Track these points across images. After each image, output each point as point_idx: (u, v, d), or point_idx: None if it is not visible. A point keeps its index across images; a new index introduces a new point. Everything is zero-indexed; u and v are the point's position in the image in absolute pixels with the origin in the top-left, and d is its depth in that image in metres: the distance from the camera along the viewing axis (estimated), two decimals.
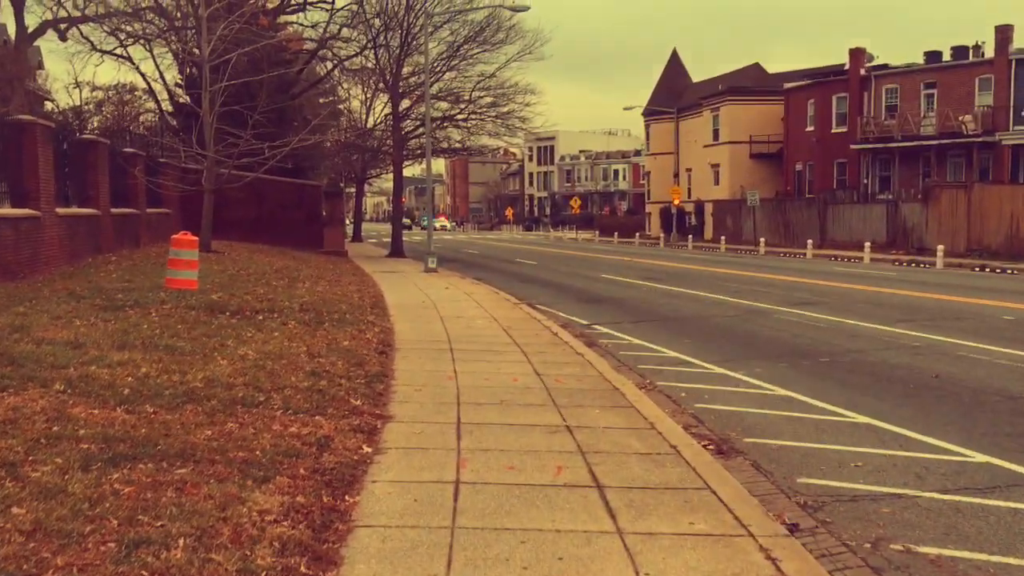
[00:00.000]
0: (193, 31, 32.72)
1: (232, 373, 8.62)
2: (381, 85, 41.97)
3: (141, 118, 40.92)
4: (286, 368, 9.21)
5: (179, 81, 40.15)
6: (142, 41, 37.06)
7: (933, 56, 46.36)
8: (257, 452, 6.04)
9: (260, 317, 13.06)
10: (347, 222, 74.20)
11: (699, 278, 25.64)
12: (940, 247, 31.50)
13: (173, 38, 36.63)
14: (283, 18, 43.07)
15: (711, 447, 7.33)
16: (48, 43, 43.92)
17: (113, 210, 23.13)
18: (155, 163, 29.85)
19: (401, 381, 9.51)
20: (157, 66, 43.33)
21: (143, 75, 39.67)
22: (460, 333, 13.72)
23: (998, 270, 28.79)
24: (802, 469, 6.82)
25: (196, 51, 28.31)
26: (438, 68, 38.79)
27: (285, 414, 7.29)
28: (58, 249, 18.23)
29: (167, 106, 41.46)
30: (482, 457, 6.56)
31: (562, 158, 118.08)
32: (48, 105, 45.55)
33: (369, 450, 6.59)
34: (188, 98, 38.73)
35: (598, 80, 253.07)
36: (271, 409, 7.40)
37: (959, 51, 45.25)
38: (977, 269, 29.34)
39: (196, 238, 16.58)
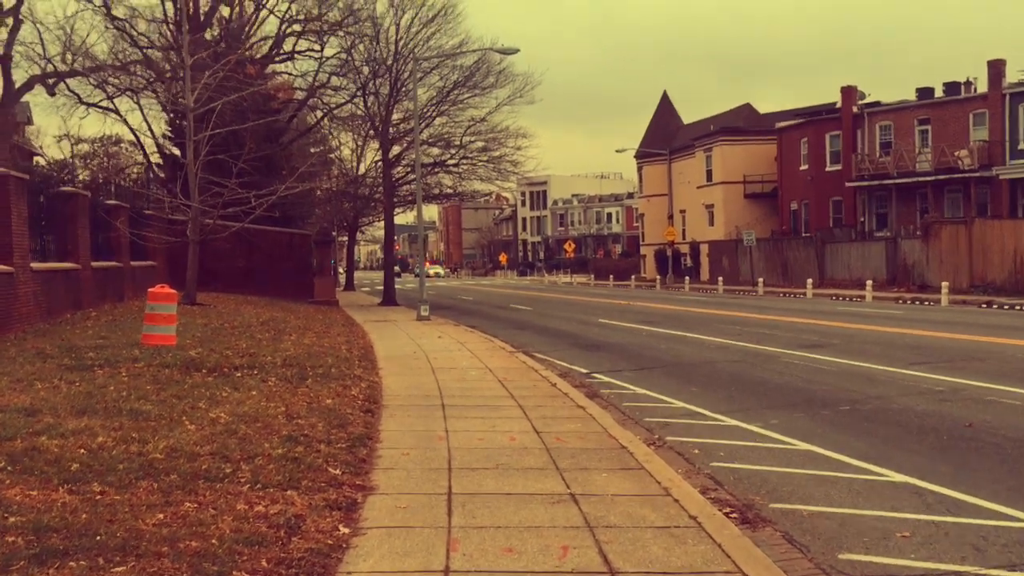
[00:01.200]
0: (180, 81, 32.27)
1: (199, 440, 7.79)
2: (371, 132, 41.52)
3: (130, 170, 40.40)
4: (260, 433, 8.38)
5: (167, 132, 39.72)
6: (129, 93, 36.69)
7: (925, 92, 46.17)
8: (214, 540, 5.20)
9: (239, 374, 12.24)
10: (340, 271, 73.64)
11: (699, 321, 24.88)
12: (944, 284, 30.81)
13: (161, 88, 36.23)
14: (272, 68, 42.78)
15: (735, 516, 6.50)
16: (37, 97, 43.45)
17: (94, 264, 22.36)
18: (140, 215, 29.13)
19: (387, 444, 8.67)
20: (145, 117, 42.90)
21: (130, 127, 39.30)
22: (453, 386, 12.90)
23: (1004, 306, 28.09)
24: (842, 542, 5.98)
25: (182, 100, 27.73)
26: (428, 113, 38.37)
27: (253, 489, 6.45)
28: (33, 306, 17.41)
29: (155, 158, 41.00)
30: (476, 537, 5.73)
31: (555, 202, 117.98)
32: (38, 160, 44.98)
33: (346, 531, 5.75)
34: (176, 149, 38.30)
35: (588, 125, 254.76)
36: (237, 483, 6.56)
37: (951, 87, 45.06)
38: (984, 306, 28.62)
39: (174, 292, 15.79)
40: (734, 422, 10.30)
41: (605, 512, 6.31)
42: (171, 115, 37.49)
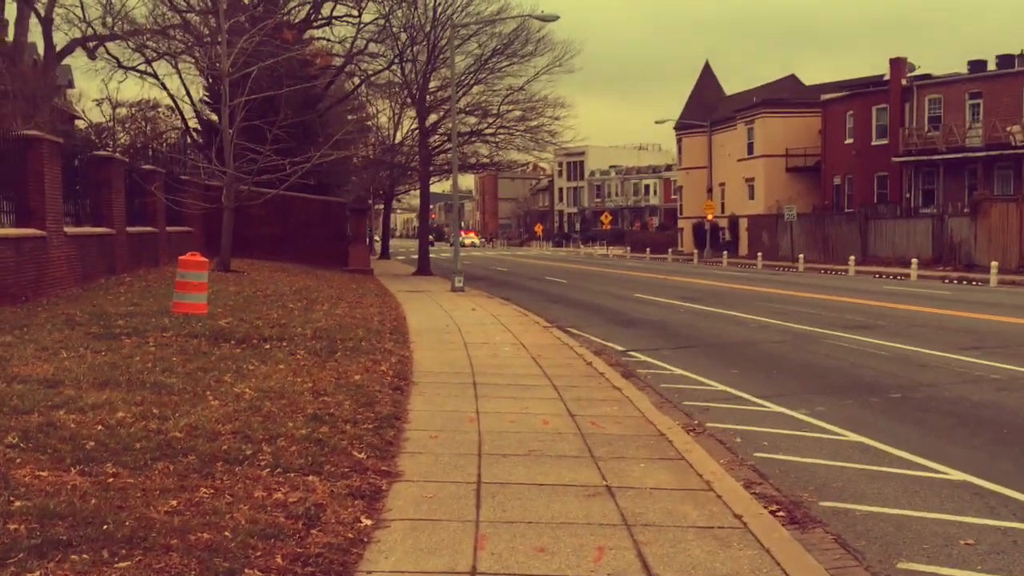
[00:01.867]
0: (218, 45, 32.00)
1: (221, 418, 7.51)
2: (408, 100, 41.09)
3: (168, 135, 40.34)
4: (285, 410, 8.09)
5: (204, 97, 39.59)
6: (167, 57, 36.55)
7: (977, 65, 44.72)
8: (227, 532, 4.89)
9: (267, 346, 11.99)
10: (375, 239, 73.61)
11: (739, 298, 24.30)
12: (994, 264, 29.89)
13: (199, 52, 36.03)
14: (309, 33, 42.41)
15: (782, 514, 6.09)
16: (77, 60, 43.39)
17: (129, 229, 22.29)
18: (176, 180, 29.07)
19: (415, 425, 8.34)
20: (183, 82, 42.82)
21: (168, 91, 38.89)
22: (485, 363, 12.56)
23: None
24: (900, 548, 5.55)
25: (219, 65, 27.47)
26: (466, 81, 37.83)
27: (273, 474, 6.15)
28: (66, 270, 17.32)
29: (193, 123, 40.94)
30: (506, 533, 5.37)
31: (592, 173, 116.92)
32: (79, 123, 45.14)
33: (368, 523, 5.42)
34: (213, 114, 38.14)
35: (627, 95, 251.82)
36: (257, 467, 6.26)
37: (1005, 60, 43.58)
38: None
39: (205, 259, 15.56)
40: (778, 408, 9.84)
41: (644, 508, 5.93)
42: (209, 80, 37.35)
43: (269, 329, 13.57)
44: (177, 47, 36.99)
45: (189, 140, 40.79)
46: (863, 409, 9.71)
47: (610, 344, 15.48)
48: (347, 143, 37.36)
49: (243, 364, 10.29)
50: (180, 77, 38.82)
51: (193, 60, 37.59)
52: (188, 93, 40.00)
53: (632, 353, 14.42)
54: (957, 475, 7.08)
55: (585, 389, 10.53)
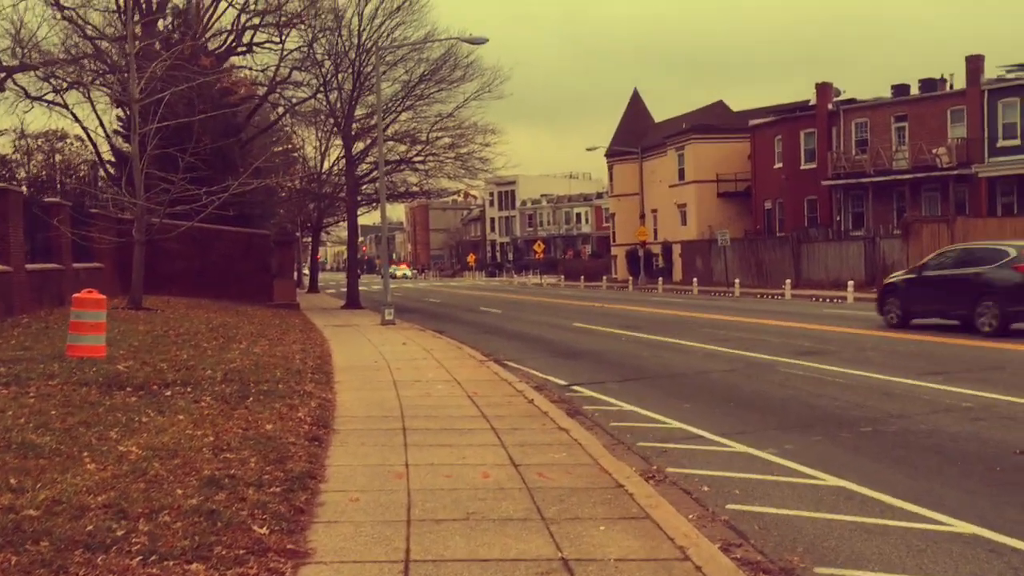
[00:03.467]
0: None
1: (94, 486, 6.22)
2: (334, 128, 39.83)
3: (79, 168, 38.37)
4: (176, 473, 6.81)
5: (118, 128, 37.80)
6: (78, 86, 34.71)
7: (900, 89, 45.34)
8: None
9: (168, 393, 10.64)
10: (304, 272, 71.68)
11: (680, 325, 23.53)
12: None
13: (113, 80, 34.30)
14: (231, 61, 40.95)
15: None
16: None
17: (30, 266, 20.55)
18: (84, 214, 27.26)
19: (333, 484, 7.13)
20: (96, 112, 40.92)
21: (79, 121, 36.95)
22: (417, 403, 11.37)
23: None
24: None
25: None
26: (393, 108, 36.84)
27: (146, 563, 4.89)
28: None
29: (108, 155, 39.06)
30: None
31: (523, 202, 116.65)
32: None
33: None
34: (127, 144, 36.32)
35: (556, 125, 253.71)
36: (127, 554, 5.00)
37: (927, 83, 44.27)
38: None
39: (102, 296, 14.08)
40: (742, 447, 8.87)
41: None
42: (122, 108, 35.60)
43: (174, 372, 12.20)
44: (88, 76, 35.21)
45: (102, 173, 38.90)
46: (835, 446, 8.79)
47: (551, 378, 14.43)
48: (271, 173, 35.94)
49: (135, 416, 8.94)
50: (93, 107, 37.00)
51: (107, 89, 35.83)
52: (101, 123, 38.20)
53: (576, 387, 13.38)
54: (963, 527, 6.14)
55: (528, 432, 9.42)
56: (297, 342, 18.95)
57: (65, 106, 36.77)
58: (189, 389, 10.98)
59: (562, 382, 13.94)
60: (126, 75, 27.88)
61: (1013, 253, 18.49)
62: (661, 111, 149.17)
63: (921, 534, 6.05)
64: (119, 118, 38.21)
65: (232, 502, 6.19)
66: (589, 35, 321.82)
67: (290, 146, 56.25)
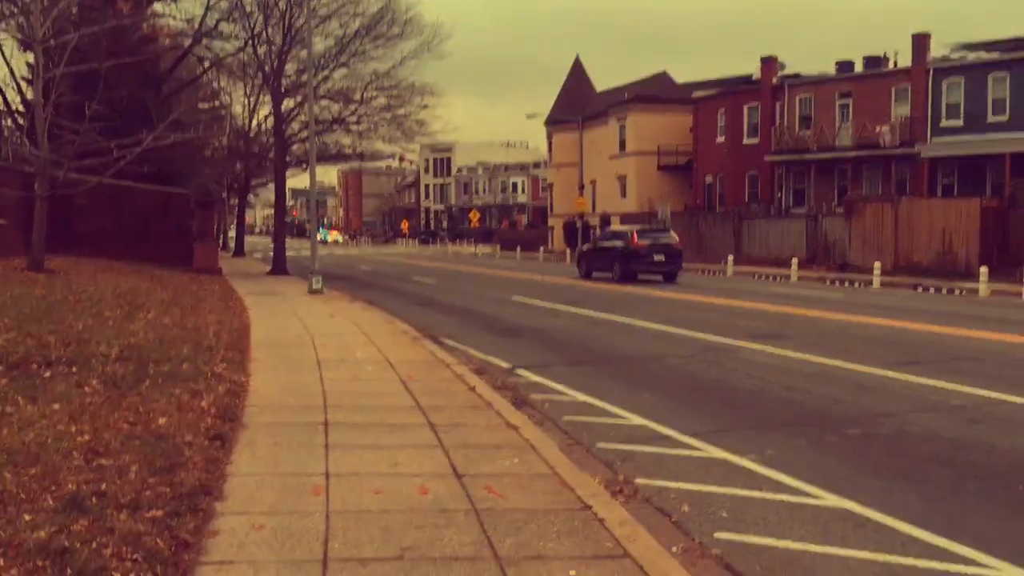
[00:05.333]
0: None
1: None
2: (263, 84, 37.65)
3: None
4: (31, 488, 5.38)
5: (26, 75, 35.05)
6: None
7: (845, 66, 44.86)
8: None
9: (48, 373, 9.08)
10: (230, 235, 68.98)
11: (624, 301, 22.44)
12: (877, 265, 29.23)
13: (19, 21, 31.63)
14: (154, 8, 38.37)
15: None
16: None
17: None
18: None
19: (233, 505, 5.73)
20: (3, 55, 38.03)
21: None
22: (342, 389, 9.97)
23: (943, 290, 26.57)
24: None
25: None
26: (326, 65, 34.80)
27: None
28: None
29: (19, 105, 36.28)
30: None
31: (459, 170, 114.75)
32: None
33: None
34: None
35: (492, 95, 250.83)
36: None
37: (871, 61, 43.86)
38: (920, 289, 27.08)
39: None
40: (719, 452, 7.70)
41: None
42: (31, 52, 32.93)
43: (62, 348, 10.59)
44: None
45: (8, 122, 36.15)
46: (823, 453, 7.67)
47: (493, 359, 13.14)
48: (193, 126, 33.72)
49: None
50: (1, 53, 34.22)
51: (12, 31, 33.09)
52: (10, 69, 35.42)
53: (520, 371, 12.11)
54: (1011, 570, 5.04)
55: (472, 429, 8.12)
56: (213, 312, 17.30)
57: None
58: (75, 369, 9.41)
59: (505, 364, 12.66)
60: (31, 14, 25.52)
61: (631, 234, 30.65)
62: (603, 82, 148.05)
63: None
64: (29, 64, 35.48)
65: (94, 534, 4.77)
66: (528, 4, 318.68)
67: (217, 103, 53.62)
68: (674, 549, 5.37)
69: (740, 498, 6.46)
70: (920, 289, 27.09)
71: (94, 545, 4.62)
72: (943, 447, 7.73)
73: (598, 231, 58.26)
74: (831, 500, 6.35)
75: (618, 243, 30.79)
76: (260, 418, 8.29)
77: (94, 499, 5.31)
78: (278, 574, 4.60)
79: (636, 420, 9.01)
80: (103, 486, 5.57)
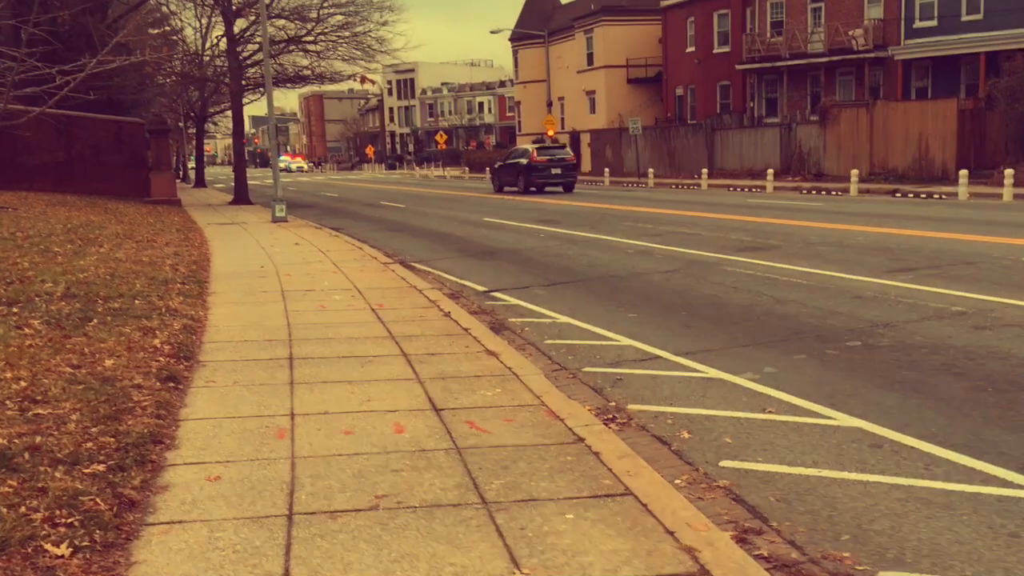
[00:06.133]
0: None
1: None
2: (212, 2, 35.93)
3: None
4: None
5: None
6: None
7: None
8: None
9: None
10: (190, 166, 67.13)
11: (601, 218, 21.82)
12: (854, 172, 28.72)
13: None
14: None
15: None
16: None
17: None
18: None
19: (186, 453, 5.13)
20: None
21: None
22: (309, 320, 9.34)
23: (922, 195, 26.17)
24: None
25: None
26: None
27: None
28: None
29: None
30: None
31: (423, 91, 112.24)
32: None
33: None
34: None
35: (455, 14, 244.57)
36: None
37: None
38: (897, 195, 26.67)
39: None
40: (714, 371, 7.20)
41: None
42: None
43: (3, 286, 9.88)
44: None
45: None
46: (825, 367, 7.19)
47: (467, 283, 12.55)
48: (140, 51, 32.13)
49: None
50: None
51: None
52: None
53: (497, 294, 11.54)
54: None
55: (449, 358, 7.55)
56: (171, 244, 16.51)
57: None
58: (16, 310, 8.69)
59: (480, 288, 12.08)
60: None
61: (531, 151, 35.21)
62: None
63: (1015, 504, 4.46)
64: None
65: (24, 496, 4.17)
66: None
67: (168, 27, 51.43)
68: (677, 482, 4.87)
69: (743, 421, 5.97)
70: (899, 195, 26.69)
71: (23, 510, 4.02)
72: (953, 357, 7.27)
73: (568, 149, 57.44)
74: (841, 419, 5.87)
75: (523, 160, 35.07)
76: (219, 355, 7.66)
77: (27, 455, 4.69)
78: (236, 533, 4.03)
79: (623, 341, 8.49)
80: (38, 439, 4.94)
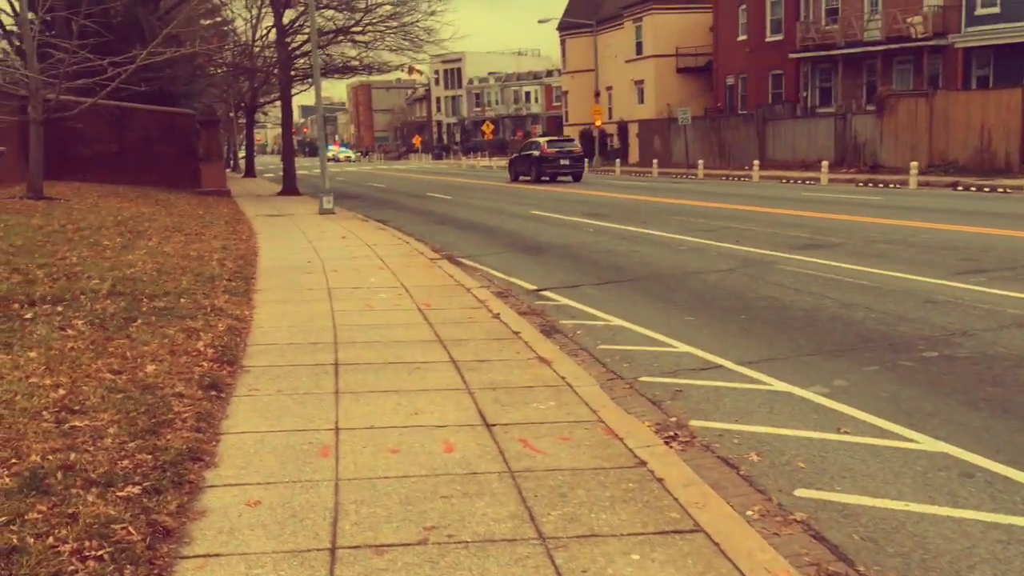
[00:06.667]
0: None
1: None
2: None
3: None
4: None
5: None
6: None
7: None
8: None
9: (31, 314, 8.22)
10: (240, 156, 67.63)
11: (650, 212, 21.34)
12: (914, 164, 27.81)
13: None
14: None
15: None
16: None
17: None
18: None
19: (226, 473, 4.87)
20: None
21: None
22: (354, 322, 9.08)
23: (985, 188, 25.24)
24: None
25: None
26: None
27: None
28: None
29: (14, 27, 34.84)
30: None
31: (470, 81, 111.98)
32: None
33: None
34: (31, 13, 32.26)
35: (501, 4, 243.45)
36: None
37: None
38: (960, 188, 25.73)
39: None
40: (780, 384, 6.79)
41: None
42: None
43: (50, 283, 9.73)
44: None
45: (4, 44, 34.76)
46: (901, 381, 6.74)
47: (516, 280, 12.23)
48: (190, 42, 32.26)
49: None
50: None
51: None
52: None
53: (547, 293, 11.20)
54: None
55: (499, 365, 7.23)
56: (219, 237, 16.41)
57: None
58: (60, 308, 8.56)
59: (529, 286, 11.75)
60: None
61: (543, 144, 38.28)
62: None
63: None
64: None
65: (53, 524, 3.93)
66: None
67: (219, 19, 51.74)
68: (749, 513, 4.50)
69: (816, 442, 5.56)
70: (960, 188, 25.76)
71: (50, 540, 3.78)
72: None
73: (616, 141, 56.84)
74: (924, 442, 5.44)
75: (535, 152, 37.98)
76: (263, 359, 7.42)
77: (59, 475, 4.47)
78: (275, 570, 3.75)
79: (680, 347, 8.10)
80: (72, 456, 4.72)
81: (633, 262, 13.42)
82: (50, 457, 4.71)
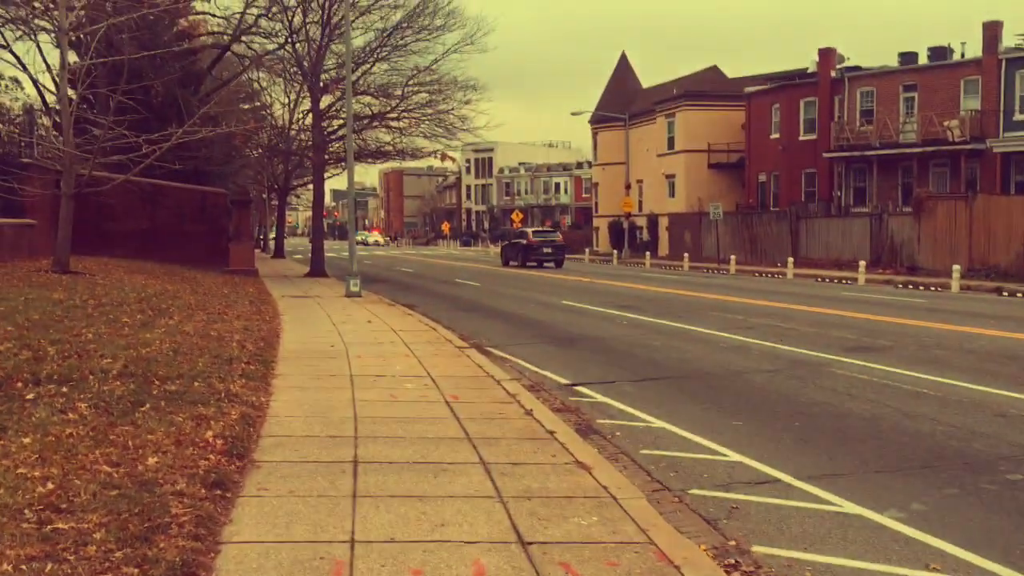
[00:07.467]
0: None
1: None
2: (300, 79, 36.46)
3: (12, 112, 34.73)
4: None
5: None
6: (15, 23, 31.12)
7: (908, 57, 42.56)
8: None
9: (33, 395, 7.69)
10: (270, 236, 68.08)
11: (686, 307, 20.73)
12: (956, 267, 27.09)
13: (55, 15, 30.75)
14: (194, 5, 37.38)
15: None
16: None
17: None
18: (13, 164, 24.03)
19: None
20: (40, 50, 37.41)
21: (20, 61, 33.20)
22: (377, 414, 8.46)
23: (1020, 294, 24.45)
24: None
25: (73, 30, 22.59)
26: (366, 59, 33.50)
27: None
28: None
29: (53, 101, 35.48)
30: None
31: (501, 170, 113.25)
32: None
33: None
34: (71, 90, 32.84)
35: (533, 95, 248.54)
36: None
37: (937, 52, 41.54)
38: (1005, 294, 24.92)
39: None
40: (850, 505, 6.06)
41: None
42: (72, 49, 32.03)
43: (59, 361, 9.22)
44: (28, 12, 31.62)
45: (44, 120, 35.36)
46: (987, 508, 5.99)
47: (548, 374, 11.60)
48: (226, 123, 32.61)
49: None
50: (37, 45, 33.44)
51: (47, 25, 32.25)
52: (47, 64, 34.61)
53: (581, 389, 10.54)
54: None
55: (534, 469, 6.56)
56: (242, 317, 15.95)
57: (5, 45, 33.17)
58: (66, 389, 8.02)
59: (562, 380, 11.11)
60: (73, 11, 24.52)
61: (529, 234, 43.40)
62: (649, 79, 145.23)
63: None
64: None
65: None
66: (569, 6, 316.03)
67: (258, 103, 52.73)
68: None
69: None
70: (1005, 294, 24.96)
71: None
72: None
73: (645, 233, 56.67)
74: None
75: (522, 240, 42.99)
76: (276, 454, 6.80)
77: None
78: None
79: (731, 456, 7.40)
80: (48, 568, 4.10)
81: (671, 358, 12.75)
82: (23, 567, 4.09)
